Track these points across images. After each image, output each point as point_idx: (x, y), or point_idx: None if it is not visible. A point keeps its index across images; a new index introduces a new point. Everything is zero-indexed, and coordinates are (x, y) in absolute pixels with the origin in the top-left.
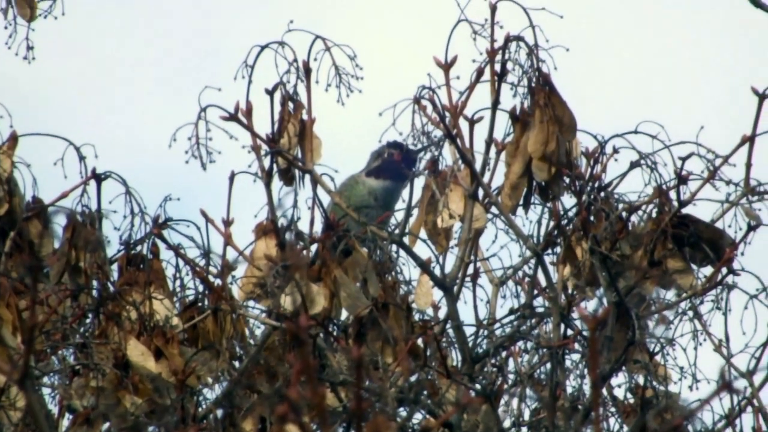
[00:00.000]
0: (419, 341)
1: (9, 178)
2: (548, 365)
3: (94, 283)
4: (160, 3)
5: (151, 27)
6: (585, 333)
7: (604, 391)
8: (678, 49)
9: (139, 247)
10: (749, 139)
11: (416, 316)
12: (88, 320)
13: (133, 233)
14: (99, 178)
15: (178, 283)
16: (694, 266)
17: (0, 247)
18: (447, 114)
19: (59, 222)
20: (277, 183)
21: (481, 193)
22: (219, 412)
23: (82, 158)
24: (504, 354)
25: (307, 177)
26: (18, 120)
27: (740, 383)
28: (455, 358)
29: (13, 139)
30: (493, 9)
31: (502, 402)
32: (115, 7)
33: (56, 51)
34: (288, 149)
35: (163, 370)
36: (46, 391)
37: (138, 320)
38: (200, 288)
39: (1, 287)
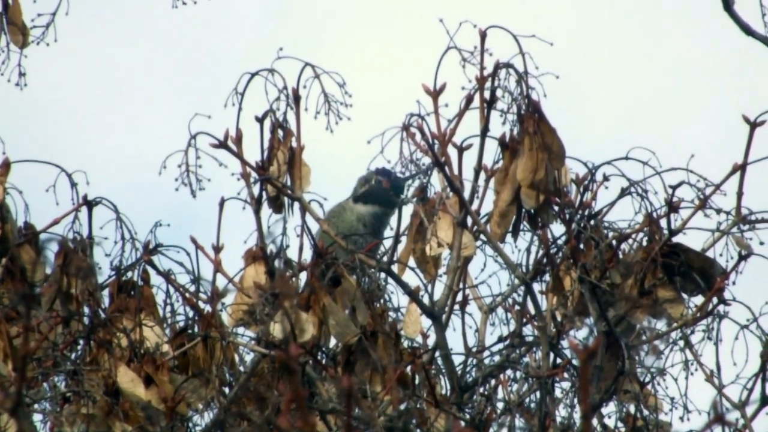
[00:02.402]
0: (408, 370)
1: (1, 204)
2: (537, 394)
3: (85, 309)
4: (152, 29)
5: (143, 52)
6: (574, 362)
7: (594, 421)
8: (669, 75)
9: (129, 273)
10: (740, 168)
11: (405, 344)
12: (79, 347)
13: (123, 259)
14: (90, 204)
15: (168, 309)
16: (684, 296)
17: None
18: (435, 141)
19: (51, 249)
20: (266, 210)
21: (469, 220)
22: None
23: (73, 185)
24: (493, 383)
25: (296, 204)
26: (10, 146)
27: (732, 415)
28: (444, 386)
29: (6, 165)
30: (483, 36)
31: (491, 431)
32: (107, 34)
33: (49, 77)
34: (277, 177)
35: (153, 398)
36: (37, 417)
37: (128, 347)
38: (190, 314)
39: None
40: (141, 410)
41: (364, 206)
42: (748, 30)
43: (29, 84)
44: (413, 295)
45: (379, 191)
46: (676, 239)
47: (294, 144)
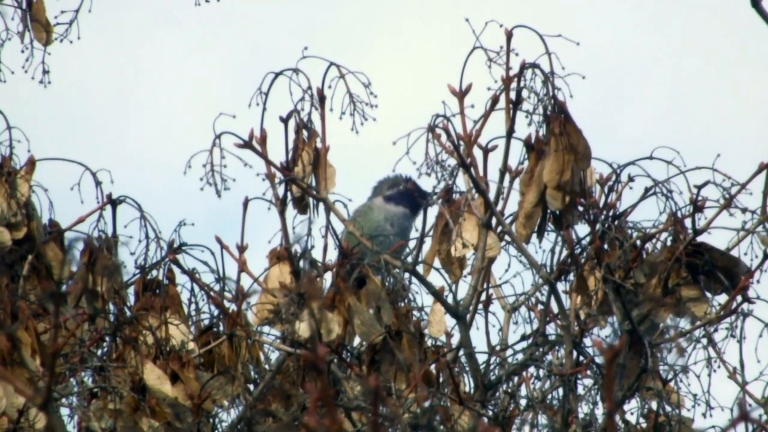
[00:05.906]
0: (432, 368)
1: (27, 202)
2: (560, 391)
3: (111, 307)
4: (177, 27)
5: (167, 50)
6: (597, 360)
7: (617, 417)
8: (696, 75)
9: (154, 272)
10: (767, 166)
11: (429, 343)
12: (105, 344)
13: (148, 258)
14: (114, 203)
15: (193, 307)
16: (708, 294)
17: (18, 270)
18: (461, 143)
19: (78, 248)
20: (291, 211)
21: (494, 221)
22: None
23: (98, 183)
24: (516, 380)
25: (321, 205)
26: (35, 144)
27: (756, 412)
28: (468, 384)
29: (31, 163)
30: (509, 36)
31: (514, 428)
32: (131, 32)
33: (72, 74)
34: (302, 177)
35: (179, 394)
36: (64, 412)
37: (154, 344)
38: (215, 312)
39: (20, 310)
40: (168, 407)
41: (395, 207)
42: None
43: (53, 81)
44: (438, 295)
45: (408, 194)
46: (700, 239)
47: (319, 144)
